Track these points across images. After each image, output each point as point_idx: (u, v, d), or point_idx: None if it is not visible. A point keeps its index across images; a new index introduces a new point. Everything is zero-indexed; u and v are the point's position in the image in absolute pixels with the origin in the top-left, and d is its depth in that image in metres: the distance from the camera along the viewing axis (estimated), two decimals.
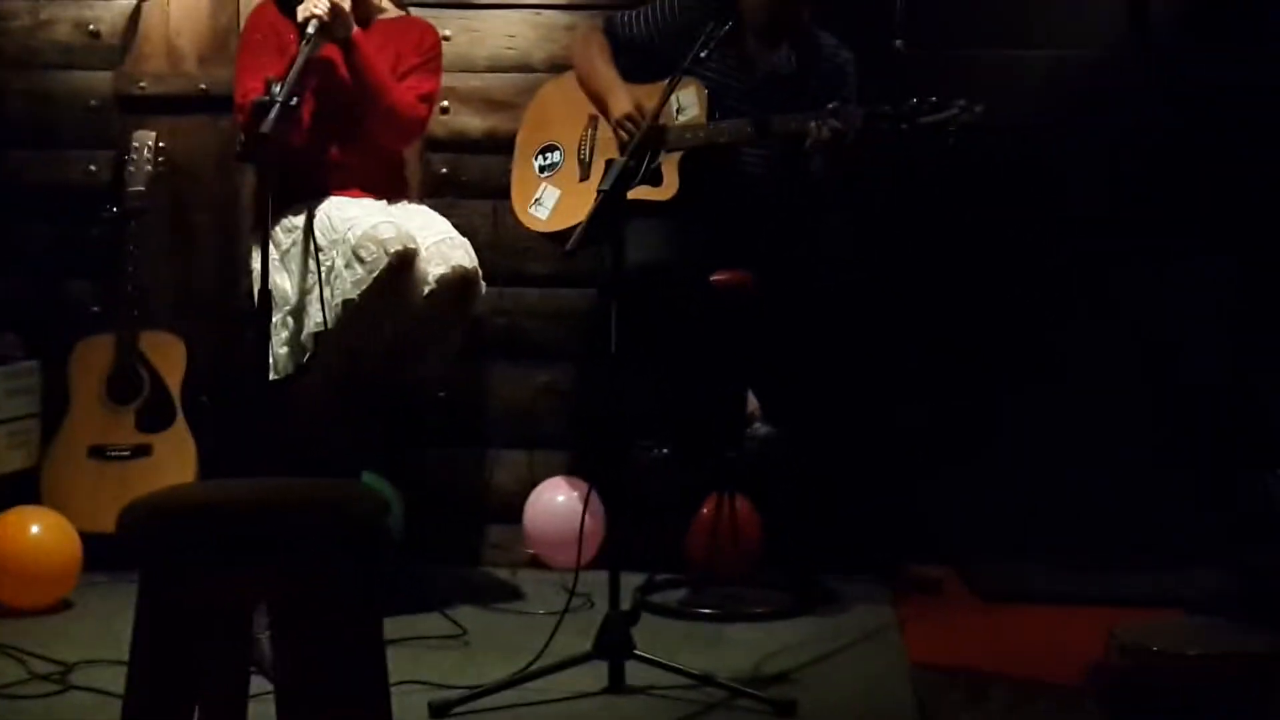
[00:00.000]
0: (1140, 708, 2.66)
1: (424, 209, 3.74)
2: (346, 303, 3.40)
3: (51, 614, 3.47)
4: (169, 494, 2.41)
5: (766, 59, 3.66)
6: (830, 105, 3.41)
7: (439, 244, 3.50)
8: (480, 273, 3.55)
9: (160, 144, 3.95)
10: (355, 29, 3.53)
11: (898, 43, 3.86)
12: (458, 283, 3.47)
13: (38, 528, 3.54)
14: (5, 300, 4.05)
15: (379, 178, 3.67)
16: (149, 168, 3.91)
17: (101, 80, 4.12)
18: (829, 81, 3.61)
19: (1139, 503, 3.82)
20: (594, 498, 3.57)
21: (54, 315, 4.06)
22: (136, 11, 4.12)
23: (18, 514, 3.58)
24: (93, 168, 4.12)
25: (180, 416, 3.85)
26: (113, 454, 3.82)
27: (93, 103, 4.12)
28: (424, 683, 2.90)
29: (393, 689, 2.39)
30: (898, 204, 3.94)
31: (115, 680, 2.38)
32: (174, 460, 3.80)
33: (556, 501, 3.90)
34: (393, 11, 3.81)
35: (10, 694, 2.91)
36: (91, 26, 4.12)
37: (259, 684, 2.41)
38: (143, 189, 3.89)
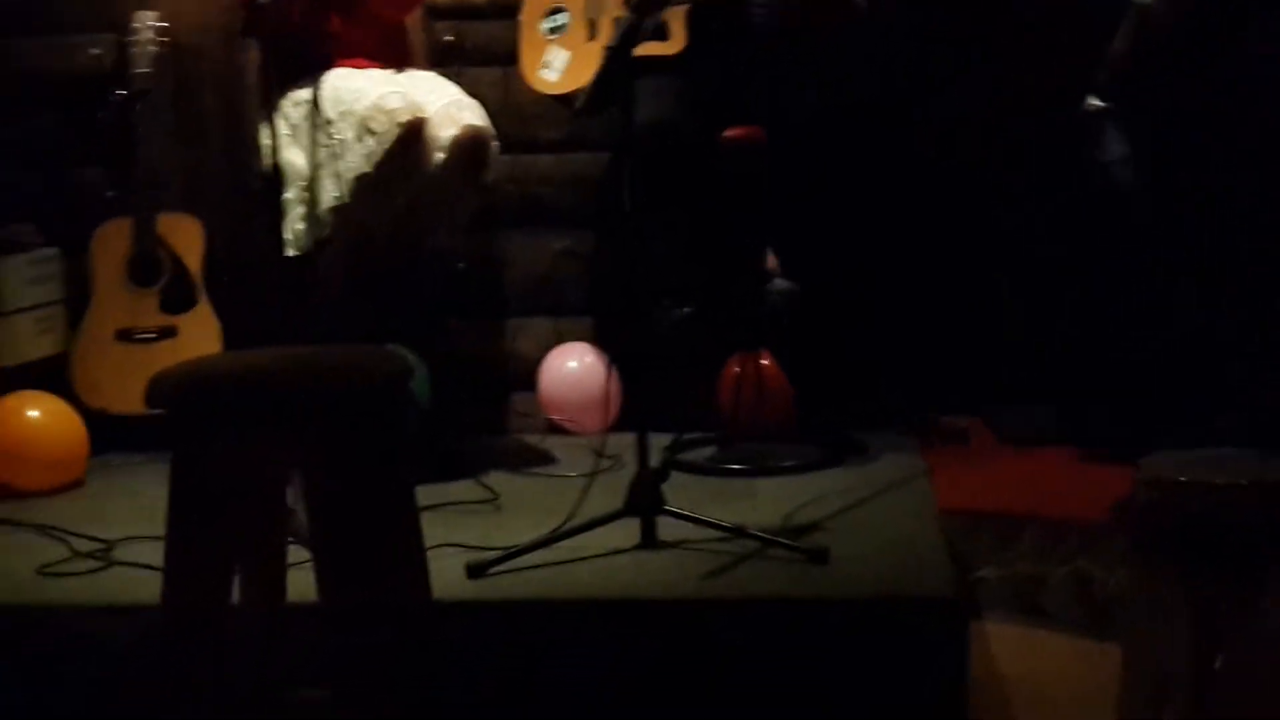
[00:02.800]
0: (1168, 539, 2.67)
1: (431, 74, 3.70)
2: (360, 176, 3.38)
3: (68, 494, 3.53)
4: (195, 365, 2.43)
5: None
6: None
7: (447, 107, 3.47)
8: (494, 132, 3.52)
9: (162, 24, 3.90)
10: None
11: None
12: (469, 143, 3.45)
13: (37, 411, 3.59)
14: (19, 191, 4.03)
15: (382, 46, 3.63)
16: (152, 49, 3.87)
17: None
18: None
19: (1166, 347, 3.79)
20: (605, 361, 3.56)
21: (69, 203, 4.05)
22: None
23: (17, 398, 3.62)
24: (95, 51, 4.07)
25: (203, 297, 3.86)
26: (139, 336, 3.84)
27: None
28: (459, 545, 2.94)
29: (429, 553, 2.43)
30: (908, 43, 3.86)
31: (155, 555, 2.41)
32: (200, 340, 3.82)
33: (568, 368, 3.92)
34: None
35: (55, 572, 2.96)
36: None
37: (297, 553, 2.44)
38: (148, 71, 3.86)
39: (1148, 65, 3.42)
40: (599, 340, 3.99)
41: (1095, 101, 3.45)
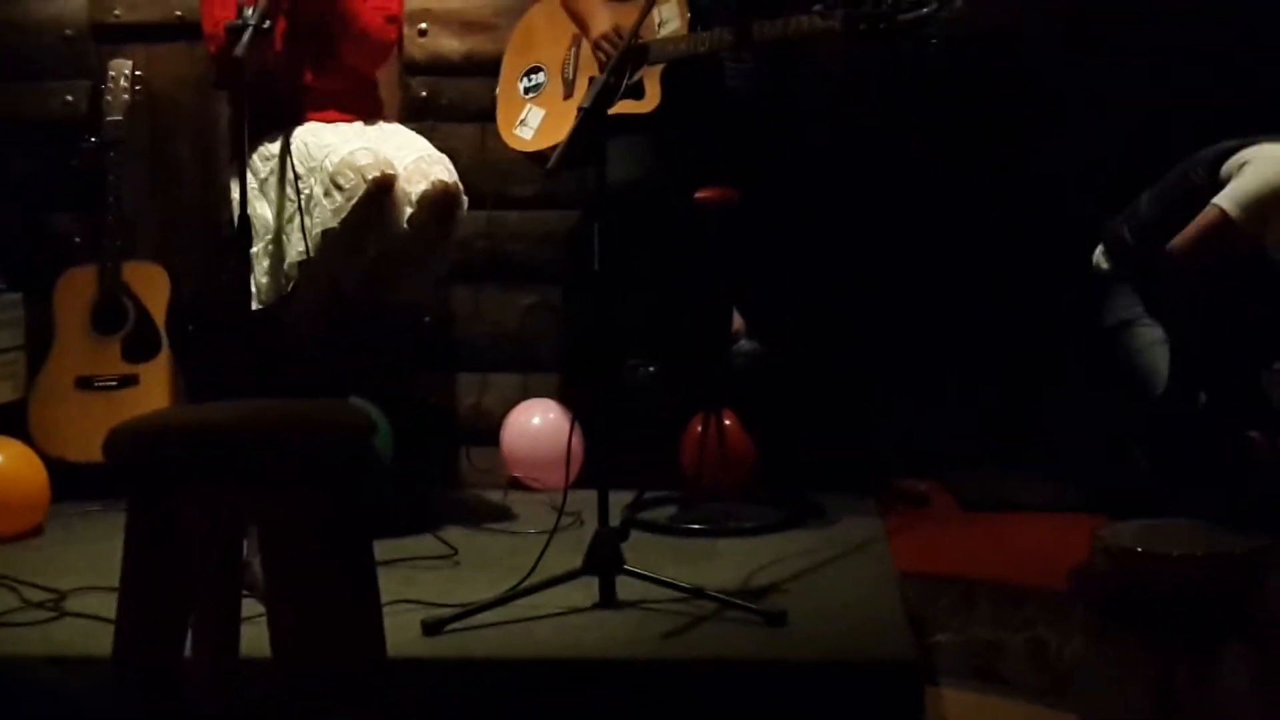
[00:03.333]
0: (1125, 609, 2.69)
1: (401, 128, 3.73)
2: (327, 231, 3.40)
3: (25, 542, 3.49)
4: (155, 417, 2.41)
5: None
6: (816, 7, 3.39)
7: (417, 162, 3.49)
8: (461, 188, 3.54)
9: (137, 73, 3.93)
10: None
11: None
12: (439, 198, 3.47)
13: (1, 456, 3.55)
14: None
15: (353, 98, 3.66)
16: (126, 97, 3.89)
17: (76, 8, 4.09)
18: None
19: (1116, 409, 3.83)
20: (570, 418, 3.57)
21: (36, 248, 4.05)
22: None
23: None
24: (70, 98, 4.09)
25: (166, 346, 3.85)
26: (99, 384, 3.83)
27: (68, 32, 4.09)
28: (416, 601, 2.93)
29: (385, 609, 2.42)
30: (882, 114, 3.92)
31: (108, 606, 2.39)
32: (161, 389, 3.81)
33: (532, 424, 3.93)
34: None
35: (6, 621, 2.93)
36: None
37: (251, 607, 2.43)
38: (121, 118, 3.87)
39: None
40: (566, 397, 4.00)
41: (1103, 264, 3.47)
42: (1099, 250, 3.60)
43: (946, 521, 3.66)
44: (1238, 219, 3.23)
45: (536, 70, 3.79)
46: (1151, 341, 3.46)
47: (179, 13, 4.03)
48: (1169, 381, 3.38)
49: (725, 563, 3.26)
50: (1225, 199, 3.26)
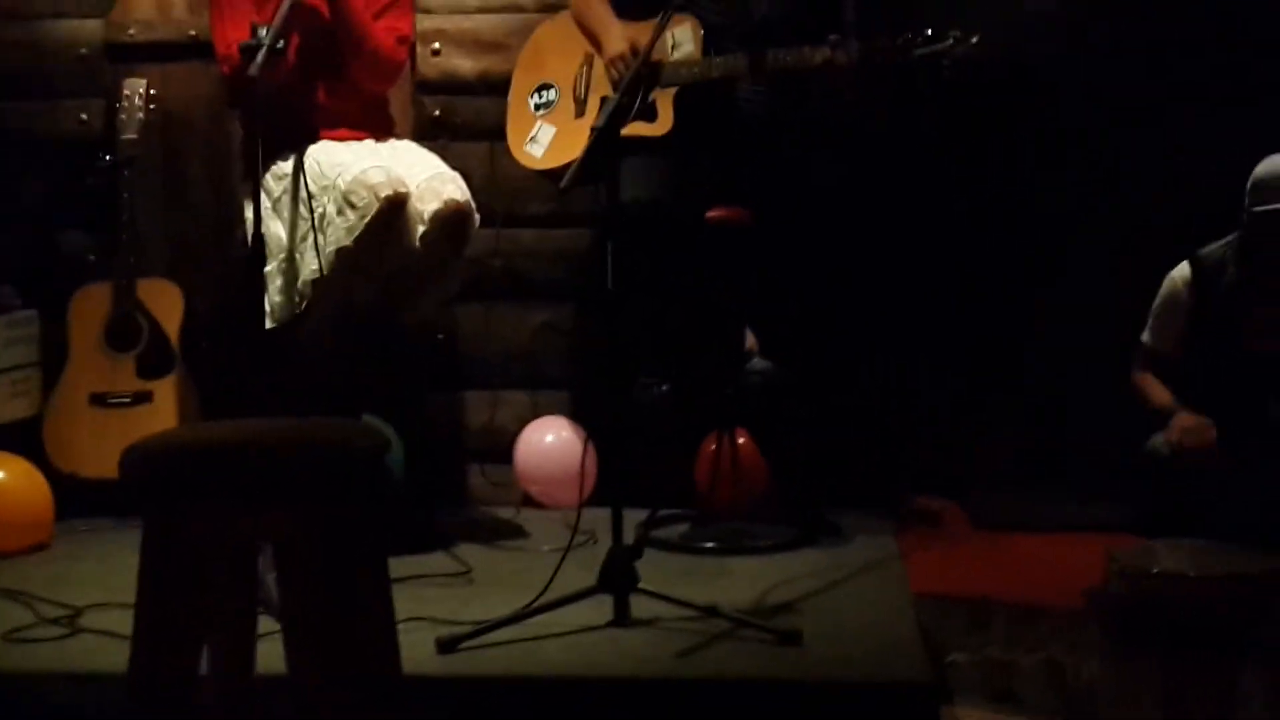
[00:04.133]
0: (1140, 629, 2.68)
1: (413, 145, 3.74)
2: (340, 250, 3.40)
3: (32, 558, 3.49)
4: (169, 436, 2.42)
5: (764, 3, 3.64)
6: (831, 38, 3.39)
7: (430, 180, 3.50)
8: (473, 205, 3.55)
9: (151, 91, 3.94)
10: None
11: None
12: (451, 217, 3.47)
13: (2, 473, 3.56)
14: (1, 251, 4.04)
15: (365, 117, 3.67)
16: (140, 116, 3.90)
17: (91, 28, 4.10)
18: (824, 13, 3.58)
19: (1134, 429, 3.83)
20: (583, 435, 3.57)
21: (50, 266, 4.07)
22: None
23: None
24: (84, 117, 4.10)
25: (179, 363, 3.86)
26: (113, 401, 3.83)
27: (83, 51, 4.10)
28: (430, 619, 2.92)
29: (399, 626, 2.41)
30: (893, 136, 3.93)
31: (123, 623, 2.40)
32: (174, 407, 3.82)
33: (545, 441, 3.93)
34: None
35: (21, 638, 2.93)
36: None
37: (266, 624, 2.42)
38: (135, 137, 3.89)
39: None
40: (575, 414, 4.00)
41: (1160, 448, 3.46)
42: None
43: (961, 541, 3.65)
44: None
45: (547, 87, 3.79)
46: None
47: (193, 32, 4.05)
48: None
49: (739, 581, 3.26)
50: None
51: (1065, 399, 3.94)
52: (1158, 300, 3.59)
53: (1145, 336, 3.62)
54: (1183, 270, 3.55)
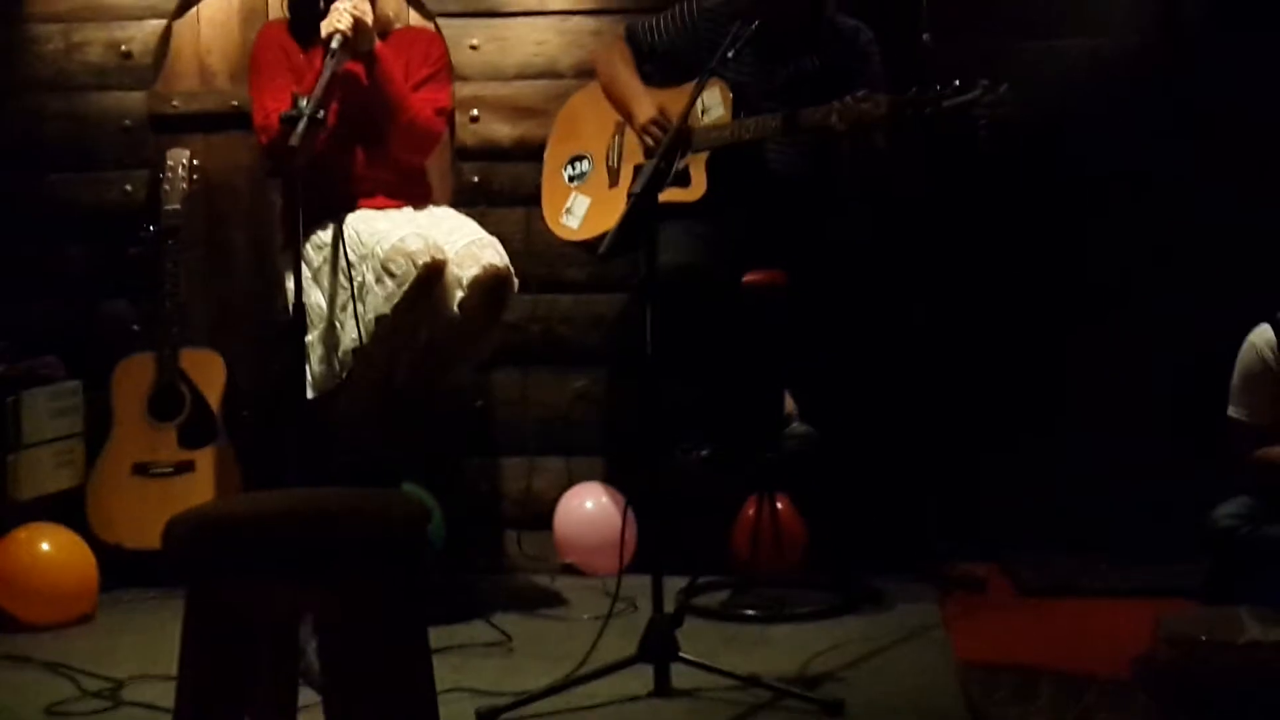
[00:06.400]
0: (1191, 698, 2.63)
1: (451, 212, 3.77)
2: (380, 318, 3.42)
3: (75, 629, 3.51)
4: (212, 508, 2.43)
5: (790, 58, 3.65)
6: (859, 94, 3.40)
7: (469, 246, 3.52)
8: (512, 270, 3.56)
9: (194, 162, 3.99)
10: (377, 43, 3.56)
11: (925, 36, 3.85)
12: (490, 282, 3.49)
13: (48, 544, 3.58)
14: (46, 322, 4.09)
15: (403, 185, 3.71)
16: (184, 186, 3.95)
17: (135, 100, 4.16)
18: (852, 66, 3.60)
19: (1180, 494, 3.79)
20: (622, 502, 3.55)
21: (94, 335, 4.10)
22: (168, 31, 4.16)
23: (28, 531, 3.61)
24: (129, 188, 4.16)
25: (222, 432, 3.88)
26: (156, 471, 3.86)
27: (127, 123, 4.16)
28: (470, 690, 2.91)
29: (439, 697, 2.41)
30: (929, 197, 3.92)
31: (165, 695, 2.40)
32: (217, 475, 3.84)
33: (585, 508, 3.92)
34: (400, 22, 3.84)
35: (63, 711, 2.94)
36: (124, 47, 4.16)
37: (307, 695, 2.42)
38: (178, 207, 3.93)
39: None
40: (610, 480, 3.99)
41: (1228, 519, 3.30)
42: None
43: (1005, 607, 3.60)
44: None
45: (580, 158, 3.82)
46: None
47: (235, 102, 4.10)
48: None
49: (781, 649, 3.23)
50: None
51: (1111, 461, 3.90)
52: (1240, 370, 3.34)
53: (1234, 412, 3.34)
54: (1264, 334, 3.31)
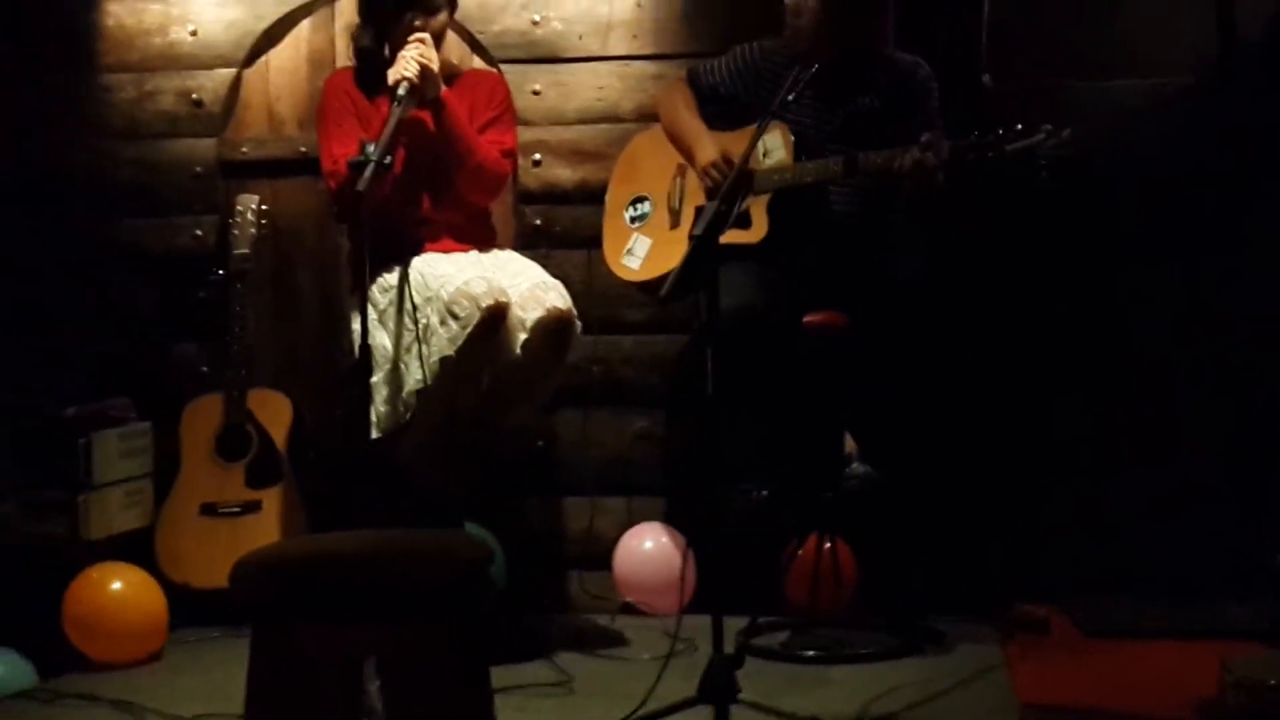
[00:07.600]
0: None
1: (515, 255, 3.81)
2: (444, 360, 3.46)
3: (143, 668, 3.55)
4: (278, 548, 2.47)
5: (850, 97, 3.68)
6: (923, 138, 3.41)
7: (533, 289, 3.56)
8: (575, 313, 3.59)
9: (263, 207, 4.06)
10: (443, 89, 3.62)
11: (985, 78, 3.86)
12: (554, 324, 3.52)
13: (120, 584, 3.63)
14: (117, 363, 4.17)
15: (468, 229, 3.76)
16: (253, 230, 4.02)
17: (205, 147, 4.25)
18: (911, 102, 3.61)
19: (1244, 533, 3.74)
20: (682, 542, 3.55)
21: (164, 377, 4.17)
22: (237, 80, 4.25)
23: (100, 570, 3.66)
24: (199, 232, 4.24)
25: (288, 472, 3.94)
26: (223, 511, 3.91)
27: (197, 169, 4.25)
28: None
29: None
30: (986, 233, 3.92)
31: None
32: (282, 515, 3.89)
33: (645, 548, 3.93)
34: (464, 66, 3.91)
35: None
36: (194, 96, 4.26)
37: None
38: (247, 251, 4.00)
39: None
40: (670, 520, 4.00)
41: None
42: None
43: (1067, 649, 3.57)
44: None
45: (642, 200, 3.86)
46: None
47: (303, 149, 4.18)
48: None
49: (841, 691, 3.22)
50: None
51: (1172, 500, 3.86)
52: None
53: None
54: None
